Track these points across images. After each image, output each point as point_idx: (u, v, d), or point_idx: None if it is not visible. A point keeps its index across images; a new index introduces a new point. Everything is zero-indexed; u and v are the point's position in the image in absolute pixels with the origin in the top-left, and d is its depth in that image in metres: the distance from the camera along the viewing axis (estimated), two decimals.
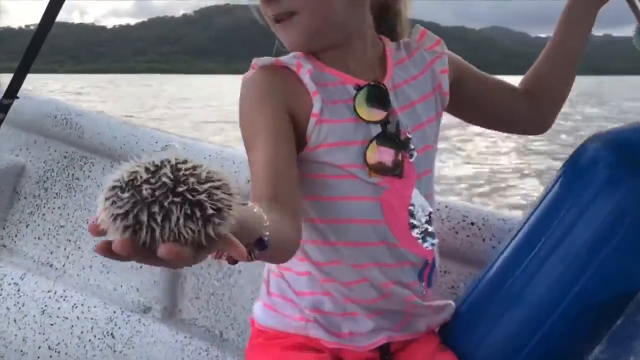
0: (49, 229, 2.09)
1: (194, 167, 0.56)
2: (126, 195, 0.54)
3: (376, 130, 0.99)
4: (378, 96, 1.00)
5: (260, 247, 0.70)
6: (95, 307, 1.79)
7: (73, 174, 2.07)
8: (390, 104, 1.01)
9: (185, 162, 0.57)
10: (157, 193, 0.54)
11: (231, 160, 1.70)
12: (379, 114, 1.00)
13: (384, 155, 0.99)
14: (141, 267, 1.84)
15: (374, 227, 1.01)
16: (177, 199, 0.54)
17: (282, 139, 0.94)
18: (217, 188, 0.57)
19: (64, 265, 2.02)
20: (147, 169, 0.56)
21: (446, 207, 1.31)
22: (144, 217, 0.54)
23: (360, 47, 1.03)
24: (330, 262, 1.03)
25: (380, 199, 1.00)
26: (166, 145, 1.76)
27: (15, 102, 2.04)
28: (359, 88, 1.00)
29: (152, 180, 0.55)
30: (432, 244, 1.06)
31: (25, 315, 1.84)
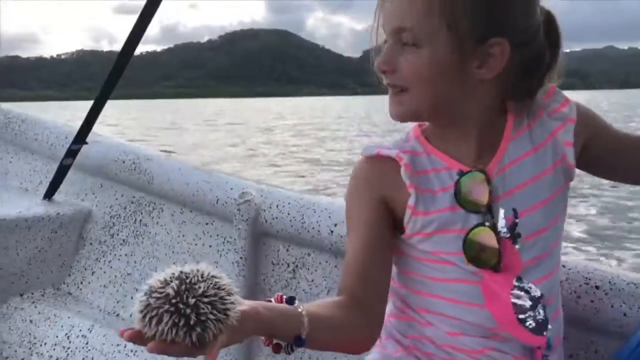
0: (115, 276, 2.02)
1: (196, 282, 0.74)
2: (143, 299, 0.74)
3: (476, 219, 0.95)
4: (480, 183, 0.95)
5: (297, 344, 0.84)
6: None
7: (141, 220, 2.01)
8: (494, 191, 0.95)
9: (193, 276, 0.75)
10: (158, 302, 0.73)
11: (312, 208, 1.60)
12: (478, 202, 0.95)
13: (483, 244, 0.95)
14: None
15: (471, 309, 0.97)
16: (171, 309, 0.72)
17: (373, 234, 0.98)
18: (208, 303, 0.73)
19: (131, 316, 1.93)
20: (164, 280, 0.74)
21: (564, 267, 1.18)
22: (147, 319, 0.73)
23: (472, 130, 0.98)
24: (426, 320, 1.01)
25: (480, 284, 0.96)
26: (243, 193, 1.67)
27: (82, 147, 2.00)
28: (462, 174, 0.96)
29: (160, 291, 0.73)
30: (544, 330, 0.96)
31: None
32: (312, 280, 1.63)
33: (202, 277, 0.75)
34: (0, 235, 1.93)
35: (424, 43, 0.90)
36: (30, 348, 1.89)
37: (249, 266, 1.68)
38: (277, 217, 1.64)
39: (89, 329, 1.86)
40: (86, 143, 1.97)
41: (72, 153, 1.97)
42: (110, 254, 2.05)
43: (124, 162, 1.99)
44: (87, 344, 1.83)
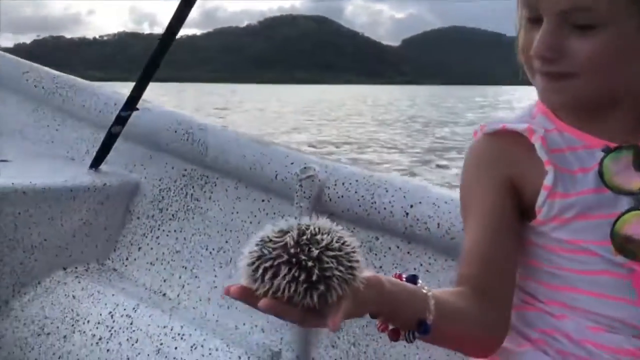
0: (163, 253, 1.90)
1: (317, 234, 0.62)
2: (255, 249, 0.63)
3: (627, 203, 0.82)
4: (631, 161, 0.83)
5: (421, 330, 0.72)
6: (217, 349, 1.57)
7: (192, 194, 1.87)
8: None
9: (314, 227, 0.63)
10: (274, 252, 0.62)
11: (383, 187, 1.43)
12: (631, 183, 0.82)
13: (636, 234, 0.81)
14: None
15: (618, 304, 0.84)
16: (292, 259, 0.61)
17: (496, 219, 0.86)
18: (333, 257, 0.61)
19: (178, 296, 1.82)
20: (280, 230, 0.63)
21: None
22: (259, 272, 0.62)
23: (623, 107, 0.86)
24: (560, 313, 0.88)
25: (631, 277, 0.83)
26: (305, 168, 1.52)
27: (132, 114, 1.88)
28: (608, 151, 0.84)
29: (277, 240, 0.62)
30: None
31: (139, 354, 1.64)
32: (381, 267, 1.47)
33: (324, 229, 0.64)
34: (45, 204, 1.83)
35: (607, 22, 0.77)
36: (72, 325, 1.78)
37: None
38: (342, 196, 1.48)
39: (133, 309, 1.74)
40: (137, 109, 1.84)
41: (121, 120, 1.85)
42: (159, 229, 1.93)
43: (175, 131, 1.86)
44: (131, 324, 1.71)
